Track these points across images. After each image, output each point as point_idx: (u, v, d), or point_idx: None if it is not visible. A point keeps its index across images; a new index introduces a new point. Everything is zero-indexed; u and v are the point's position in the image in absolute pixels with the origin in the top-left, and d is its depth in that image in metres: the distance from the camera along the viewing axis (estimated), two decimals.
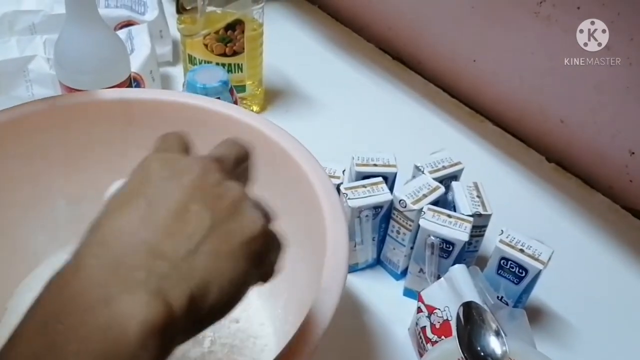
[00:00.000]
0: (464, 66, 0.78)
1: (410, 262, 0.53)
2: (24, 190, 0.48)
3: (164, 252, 0.22)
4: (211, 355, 0.43)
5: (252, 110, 0.74)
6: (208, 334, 0.44)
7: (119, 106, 0.48)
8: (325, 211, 0.39)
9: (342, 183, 0.54)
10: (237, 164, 0.28)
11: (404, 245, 0.54)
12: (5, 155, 0.46)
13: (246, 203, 0.25)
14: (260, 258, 0.25)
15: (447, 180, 0.56)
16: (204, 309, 0.23)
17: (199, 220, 0.23)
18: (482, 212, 0.52)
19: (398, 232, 0.54)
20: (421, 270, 0.52)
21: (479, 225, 0.53)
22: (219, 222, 0.24)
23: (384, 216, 0.54)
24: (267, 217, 0.26)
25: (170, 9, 0.80)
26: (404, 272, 0.56)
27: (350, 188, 0.53)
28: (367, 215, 0.53)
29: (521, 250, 0.49)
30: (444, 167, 0.57)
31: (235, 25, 0.66)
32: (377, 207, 0.53)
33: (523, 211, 0.64)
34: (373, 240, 0.55)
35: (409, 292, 0.55)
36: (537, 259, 0.48)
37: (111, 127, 0.49)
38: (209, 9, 0.65)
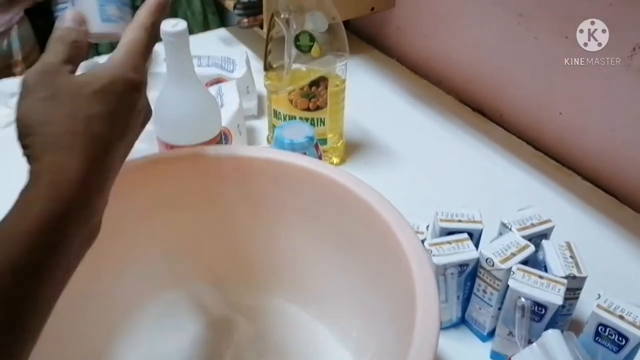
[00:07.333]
0: (548, 118, 0.76)
1: (498, 324, 0.51)
2: (125, 239, 0.50)
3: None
4: None
5: (332, 162, 0.75)
6: None
7: (213, 162, 0.51)
8: (415, 271, 0.39)
9: (425, 239, 0.54)
10: None
11: (491, 306, 0.52)
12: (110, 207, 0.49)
13: None
14: None
15: (536, 239, 0.54)
16: None
17: None
18: (577, 274, 0.50)
19: (485, 292, 0.52)
20: (510, 333, 0.50)
21: (573, 287, 0.50)
22: None
23: (470, 274, 0.53)
24: None
25: (256, 66, 0.84)
26: (491, 334, 0.54)
27: (435, 244, 0.52)
28: (452, 273, 0.52)
29: (620, 317, 0.46)
30: (533, 225, 0.55)
31: (319, 82, 0.68)
32: (462, 265, 0.52)
33: (619, 273, 0.60)
34: (458, 298, 0.54)
35: (496, 356, 0.53)
36: (638, 327, 0.45)
37: (204, 181, 0.51)
38: (295, 66, 0.68)
